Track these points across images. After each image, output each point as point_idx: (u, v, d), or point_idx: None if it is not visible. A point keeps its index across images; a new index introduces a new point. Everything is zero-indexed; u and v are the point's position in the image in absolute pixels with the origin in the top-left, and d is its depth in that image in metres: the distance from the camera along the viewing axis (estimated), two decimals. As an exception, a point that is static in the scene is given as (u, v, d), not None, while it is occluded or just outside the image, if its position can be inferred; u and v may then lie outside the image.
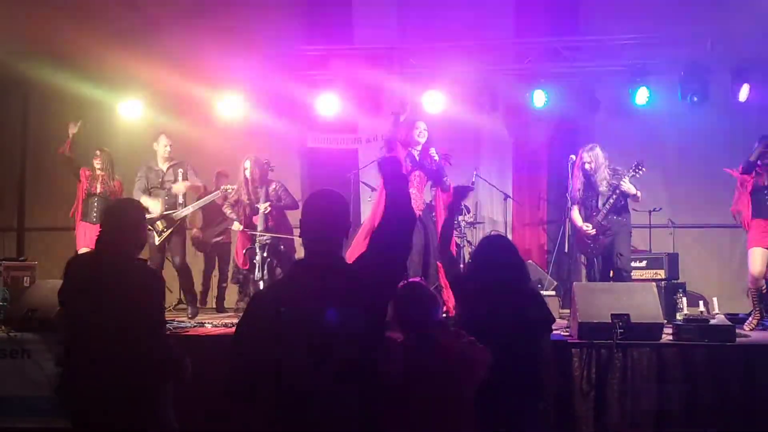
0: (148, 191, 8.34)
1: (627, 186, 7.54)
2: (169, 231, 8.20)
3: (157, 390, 3.96)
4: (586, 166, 7.76)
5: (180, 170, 8.43)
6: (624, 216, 7.75)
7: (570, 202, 8.08)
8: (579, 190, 7.85)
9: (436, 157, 7.49)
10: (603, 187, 7.70)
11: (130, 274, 3.97)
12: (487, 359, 3.73)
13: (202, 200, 8.58)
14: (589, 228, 7.72)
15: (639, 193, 7.63)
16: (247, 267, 8.45)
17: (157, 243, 8.18)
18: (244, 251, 8.42)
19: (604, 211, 7.67)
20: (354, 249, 7.02)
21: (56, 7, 8.96)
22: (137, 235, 4.14)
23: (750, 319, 7.39)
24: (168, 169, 8.46)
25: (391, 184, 3.20)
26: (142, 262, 4.25)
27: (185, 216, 8.42)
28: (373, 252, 3.12)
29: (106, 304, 3.81)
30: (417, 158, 7.55)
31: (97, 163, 8.74)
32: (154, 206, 8.15)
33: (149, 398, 3.88)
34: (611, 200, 7.62)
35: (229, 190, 8.46)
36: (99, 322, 3.81)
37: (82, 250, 8.55)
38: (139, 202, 4.70)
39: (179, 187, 8.35)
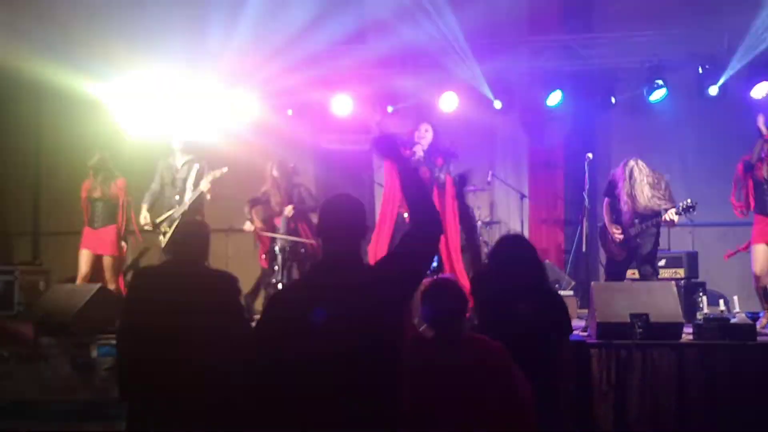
0: (162, 189, 8.34)
1: (671, 217, 7.28)
2: (172, 230, 8.05)
3: None
4: (637, 183, 7.43)
5: (196, 166, 8.36)
6: (657, 228, 7.59)
7: (607, 195, 7.85)
8: (624, 200, 7.58)
9: (419, 154, 7.52)
10: (641, 204, 7.42)
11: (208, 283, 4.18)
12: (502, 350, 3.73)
13: (195, 192, 8.24)
14: (617, 233, 7.56)
15: (677, 220, 7.42)
16: (267, 268, 8.45)
17: (163, 246, 8.14)
18: (264, 255, 8.43)
19: (639, 229, 7.46)
20: (376, 242, 7.11)
21: (64, 7, 8.98)
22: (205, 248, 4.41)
23: (761, 318, 7.28)
24: (183, 165, 8.42)
25: (402, 175, 3.23)
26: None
27: (185, 211, 8.23)
28: (401, 252, 3.16)
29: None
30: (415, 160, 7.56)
31: (95, 166, 8.73)
32: (143, 214, 8.27)
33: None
34: (649, 223, 7.42)
35: (217, 176, 8.20)
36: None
37: (82, 252, 8.55)
38: (204, 223, 4.79)
39: (196, 194, 8.25)
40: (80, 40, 9.13)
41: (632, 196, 7.46)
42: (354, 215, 3.16)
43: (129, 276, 7.85)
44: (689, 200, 7.32)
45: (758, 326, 7.01)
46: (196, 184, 8.32)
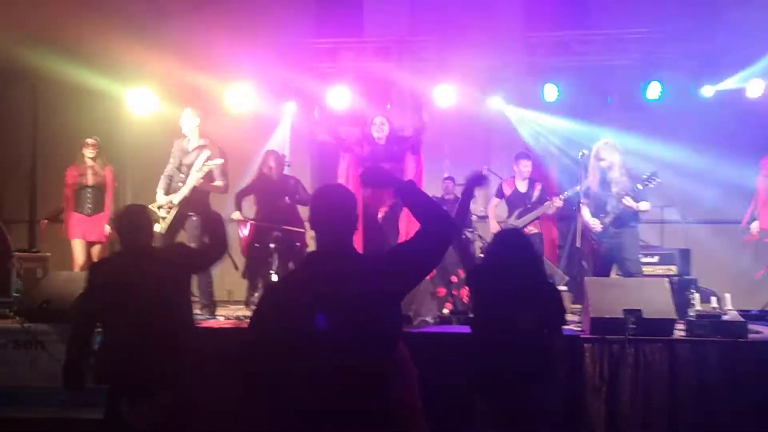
0: (173, 172, 8.05)
1: (629, 202, 7.35)
2: (173, 215, 7.84)
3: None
4: (602, 163, 7.53)
5: (206, 152, 7.80)
6: (633, 220, 7.59)
7: (582, 196, 8.00)
8: (594, 186, 7.70)
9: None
10: (615, 188, 7.48)
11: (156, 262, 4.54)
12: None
13: (192, 177, 7.83)
14: (596, 224, 7.61)
15: (644, 207, 7.46)
16: (246, 255, 8.41)
17: (163, 231, 7.80)
18: (256, 244, 8.37)
19: (612, 215, 7.51)
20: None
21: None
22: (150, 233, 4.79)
23: None
24: (194, 149, 7.96)
25: (402, 195, 3.27)
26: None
27: (184, 197, 7.90)
28: (410, 248, 3.17)
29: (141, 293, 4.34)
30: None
31: (89, 152, 8.72)
32: (159, 198, 7.93)
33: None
34: (619, 207, 7.47)
35: (211, 165, 7.82)
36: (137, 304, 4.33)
37: (76, 241, 8.61)
38: (144, 207, 4.94)
39: (191, 182, 7.78)
40: (77, 28, 9.11)
41: (606, 179, 7.55)
42: (345, 205, 3.17)
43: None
44: (646, 174, 7.40)
45: None
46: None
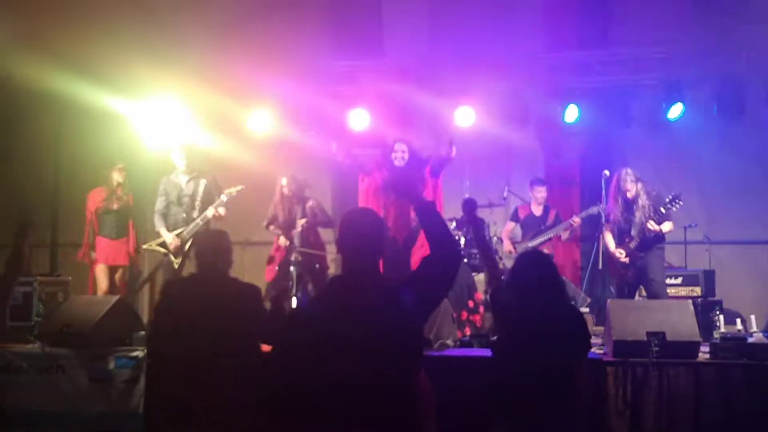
0: (167, 208, 8.31)
1: (653, 226, 7.49)
2: (185, 252, 8.04)
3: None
4: (628, 195, 7.70)
5: (203, 182, 8.24)
6: (658, 242, 7.68)
7: (604, 221, 8.04)
8: (617, 215, 7.77)
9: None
10: (638, 213, 7.64)
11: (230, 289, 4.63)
12: None
13: (208, 210, 8.12)
14: (622, 255, 7.69)
15: (667, 228, 7.58)
16: (271, 280, 8.43)
17: (176, 266, 8.05)
18: (276, 266, 8.42)
19: (637, 240, 7.62)
20: None
21: (87, 22, 9.06)
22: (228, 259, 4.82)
23: None
24: (188, 182, 8.31)
25: (420, 211, 3.28)
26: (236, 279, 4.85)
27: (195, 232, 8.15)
28: (421, 273, 3.17)
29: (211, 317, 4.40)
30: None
31: (119, 177, 8.79)
32: (166, 236, 8.17)
33: None
34: (643, 231, 7.57)
35: (233, 193, 8.13)
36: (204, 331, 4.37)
37: (100, 266, 8.66)
38: (224, 233, 5.01)
39: (208, 214, 8.11)
40: (100, 53, 9.21)
41: (630, 208, 7.67)
42: (373, 230, 3.18)
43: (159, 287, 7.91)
44: (670, 197, 7.47)
45: None
46: (207, 200, 8.20)
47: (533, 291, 4.41)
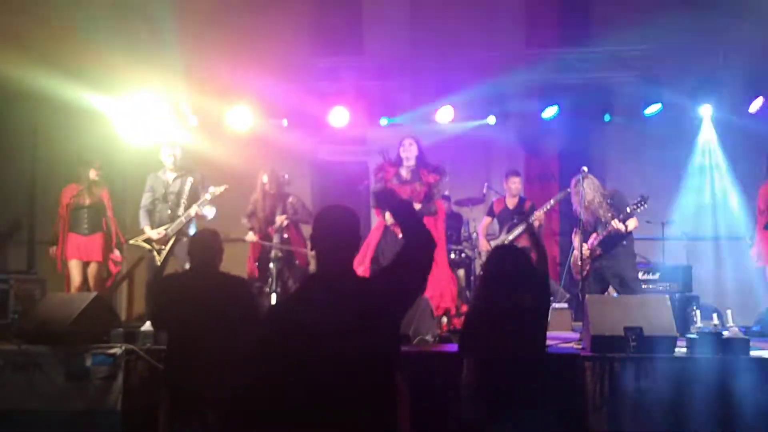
0: (152, 204, 8.32)
1: (618, 225, 7.47)
2: (169, 247, 8.08)
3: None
4: (586, 196, 7.61)
5: (189, 179, 8.34)
6: (624, 239, 7.66)
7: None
8: (580, 212, 7.77)
9: (406, 176, 7.62)
10: (602, 214, 7.63)
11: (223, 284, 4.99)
12: None
13: (192, 208, 8.20)
14: (585, 250, 7.66)
15: (631, 226, 7.55)
16: (256, 277, 8.41)
17: (158, 263, 8.06)
18: (256, 263, 8.40)
19: (601, 237, 7.62)
20: (362, 255, 7.12)
21: (63, 18, 9.01)
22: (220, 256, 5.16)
23: None
24: (175, 179, 8.39)
25: (396, 213, 3.38)
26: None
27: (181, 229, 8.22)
28: (396, 266, 3.18)
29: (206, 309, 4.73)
30: (404, 177, 7.59)
31: (92, 174, 8.70)
32: (150, 233, 8.20)
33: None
34: (607, 228, 7.57)
35: (217, 193, 8.15)
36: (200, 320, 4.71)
37: (73, 262, 8.57)
38: (216, 232, 5.26)
39: (192, 212, 8.18)
40: (79, 50, 9.15)
41: (588, 208, 7.63)
42: (348, 227, 3.17)
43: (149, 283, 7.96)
44: (637, 199, 7.48)
45: None
46: (192, 198, 8.26)
47: (503, 284, 4.46)
